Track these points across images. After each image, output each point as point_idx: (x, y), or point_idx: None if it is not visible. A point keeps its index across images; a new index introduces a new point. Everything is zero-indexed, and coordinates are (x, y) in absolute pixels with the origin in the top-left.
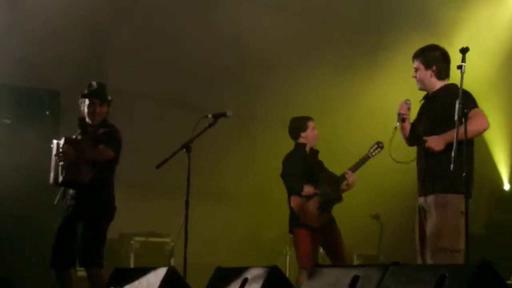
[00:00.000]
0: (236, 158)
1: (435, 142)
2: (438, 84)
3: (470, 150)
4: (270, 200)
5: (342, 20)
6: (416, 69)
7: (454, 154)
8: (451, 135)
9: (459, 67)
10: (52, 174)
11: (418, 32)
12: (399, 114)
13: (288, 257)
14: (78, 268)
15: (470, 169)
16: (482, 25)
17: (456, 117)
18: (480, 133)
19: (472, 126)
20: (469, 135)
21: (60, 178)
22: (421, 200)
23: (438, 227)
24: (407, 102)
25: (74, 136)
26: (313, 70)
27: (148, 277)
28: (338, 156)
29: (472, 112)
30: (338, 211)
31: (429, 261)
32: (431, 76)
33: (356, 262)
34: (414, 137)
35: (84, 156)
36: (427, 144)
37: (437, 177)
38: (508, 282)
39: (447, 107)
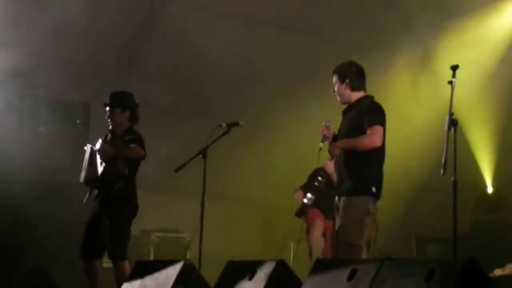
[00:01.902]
0: (250, 165)
1: (332, 148)
2: (354, 96)
3: (379, 157)
4: (279, 202)
5: (341, 39)
6: (334, 84)
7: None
8: (347, 142)
9: (450, 82)
10: (83, 174)
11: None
12: (322, 136)
13: (292, 251)
14: (104, 260)
15: (378, 174)
16: (472, 41)
17: (446, 127)
18: (370, 149)
19: (365, 141)
20: (360, 148)
21: (100, 169)
22: (337, 200)
23: (342, 224)
24: (327, 123)
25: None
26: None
27: (167, 269)
28: None
29: (371, 129)
30: None
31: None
32: (345, 89)
33: None
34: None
35: (121, 153)
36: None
37: (345, 181)
38: (491, 275)
39: (359, 117)
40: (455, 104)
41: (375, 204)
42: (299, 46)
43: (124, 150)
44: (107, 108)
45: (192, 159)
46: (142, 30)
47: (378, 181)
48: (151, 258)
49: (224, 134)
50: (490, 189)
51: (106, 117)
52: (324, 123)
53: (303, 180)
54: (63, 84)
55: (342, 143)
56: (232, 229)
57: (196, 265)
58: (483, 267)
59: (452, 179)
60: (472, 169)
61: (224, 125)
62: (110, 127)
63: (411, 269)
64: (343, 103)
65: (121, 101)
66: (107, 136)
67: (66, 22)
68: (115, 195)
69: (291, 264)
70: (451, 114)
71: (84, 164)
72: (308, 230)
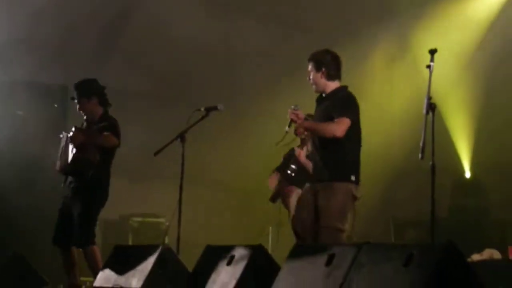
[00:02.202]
0: (229, 150)
1: (297, 127)
2: (329, 85)
3: (356, 146)
4: (257, 187)
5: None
6: (309, 72)
7: None
8: (311, 125)
9: (428, 66)
10: (58, 162)
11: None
12: (290, 120)
13: (270, 236)
14: None
15: (356, 162)
16: (450, 26)
17: (424, 111)
18: (329, 136)
19: (328, 128)
20: (322, 134)
21: (70, 157)
22: (315, 185)
23: (325, 209)
24: (295, 107)
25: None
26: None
27: (145, 253)
28: None
29: (338, 119)
30: None
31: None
32: (321, 77)
33: None
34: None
35: (92, 141)
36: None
37: (323, 168)
38: (468, 259)
39: (331, 109)
40: (434, 89)
41: (358, 190)
42: (277, 34)
43: (97, 138)
44: (75, 101)
45: (170, 142)
46: (120, 15)
47: (356, 168)
48: (130, 243)
49: (202, 118)
50: (468, 174)
51: (77, 110)
52: (292, 107)
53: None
54: (40, 68)
55: (307, 124)
56: (210, 214)
57: (175, 250)
58: (461, 250)
59: (430, 163)
60: (450, 153)
61: (202, 109)
62: (84, 117)
63: (389, 253)
64: (318, 91)
65: (85, 90)
66: (83, 124)
67: (43, 6)
68: (86, 183)
69: (270, 249)
70: (429, 98)
71: (59, 152)
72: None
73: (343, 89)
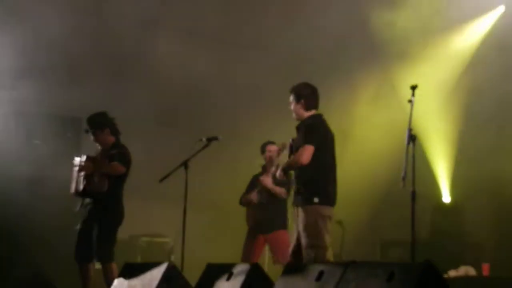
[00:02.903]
0: (227, 175)
1: (276, 172)
2: (306, 115)
3: (317, 169)
4: None
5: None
6: (290, 103)
7: None
8: (283, 167)
9: (409, 101)
10: (73, 185)
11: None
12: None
13: (266, 255)
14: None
15: (325, 185)
16: (430, 64)
17: (406, 142)
18: (297, 165)
19: (294, 160)
20: (293, 166)
21: (81, 187)
22: (295, 209)
23: (302, 231)
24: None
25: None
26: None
27: (152, 270)
28: None
29: (302, 148)
30: None
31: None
32: (300, 108)
33: None
34: None
35: (100, 170)
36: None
37: (297, 193)
38: (445, 276)
39: (301, 137)
40: (415, 122)
41: (328, 209)
42: (265, 64)
43: (104, 168)
44: (89, 133)
45: (175, 170)
46: (126, 56)
47: (325, 191)
48: (139, 260)
49: (204, 147)
50: (447, 199)
51: (93, 140)
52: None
53: None
54: (55, 101)
55: (283, 168)
56: (212, 234)
57: (179, 267)
58: (440, 269)
59: (411, 190)
60: (430, 181)
61: (204, 139)
62: (99, 146)
63: (373, 271)
64: (297, 119)
65: (98, 123)
66: (100, 153)
67: (55, 45)
68: (101, 205)
69: (266, 268)
70: (410, 130)
71: (74, 176)
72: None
73: (313, 117)
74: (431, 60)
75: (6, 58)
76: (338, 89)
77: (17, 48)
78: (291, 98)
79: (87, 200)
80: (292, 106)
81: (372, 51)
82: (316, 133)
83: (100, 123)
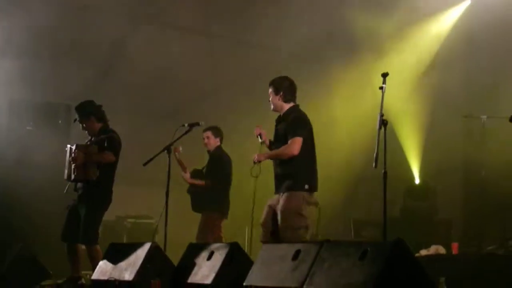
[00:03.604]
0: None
1: (258, 156)
2: (285, 106)
3: (310, 159)
4: (236, 191)
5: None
6: (269, 94)
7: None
8: (270, 154)
9: (381, 88)
10: (66, 171)
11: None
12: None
13: (246, 235)
14: None
15: (310, 172)
16: (402, 53)
17: (377, 126)
18: (288, 156)
19: (285, 151)
20: (282, 157)
21: (72, 176)
22: (276, 196)
23: (284, 213)
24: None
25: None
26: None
27: (136, 250)
28: None
29: (291, 140)
30: None
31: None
32: (279, 100)
33: None
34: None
35: (91, 159)
36: (254, 157)
37: (281, 180)
38: (417, 255)
39: (285, 129)
40: (387, 108)
41: (312, 196)
42: (253, 60)
43: (95, 157)
44: (77, 122)
45: (158, 154)
46: (117, 47)
47: (310, 178)
48: (124, 241)
49: (186, 132)
50: (417, 180)
51: (81, 129)
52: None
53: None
54: (47, 90)
55: (267, 155)
56: (194, 216)
57: (162, 247)
58: (411, 248)
59: (383, 171)
60: (402, 162)
61: (186, 125)
62: (87, 133)
63: (347, 249)
64: (275, 111)
65: (84, 111)
66: (89, 140)
67: (50, 36)
68: (91, 189)
69: (245, 247)
70: (381, 115)
71: (66, 163)
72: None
73: (294, 110)
74: (403, 52)
75: None
76: (318, 81)
77: (9, 35)
78: (270, 90)
79: (79, 184)
80: (271, 98)
81: (349, 47)
82: (304, 125)
83: (85, 111)
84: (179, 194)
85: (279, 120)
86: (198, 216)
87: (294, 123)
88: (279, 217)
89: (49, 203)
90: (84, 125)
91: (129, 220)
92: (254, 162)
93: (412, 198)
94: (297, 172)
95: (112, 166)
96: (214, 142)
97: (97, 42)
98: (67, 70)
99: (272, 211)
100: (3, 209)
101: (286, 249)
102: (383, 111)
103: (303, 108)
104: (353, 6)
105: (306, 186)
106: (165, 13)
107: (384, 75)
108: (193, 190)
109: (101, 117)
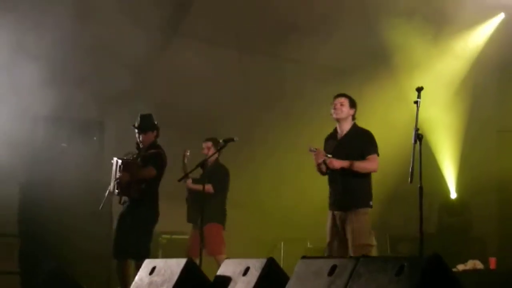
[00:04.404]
0: (244, 174)
1: (332, 162)
2: (351, 122)
3: (370, 178)
4: (270, 208)
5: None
6: (342, 104)
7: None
8: (350, 163)
9: (416, 102)
10: (111, 184)
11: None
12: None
13: (282, 251)
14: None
15: (371, 188)
16: (436, 65)
17: (412, 141)
18: (369, 171)
19: (367, 165)
20: (362, 170)
21: (116, 192)
22: (338, 213)
23: (357, 232)
24: (314, 150)
25: (130, 155)
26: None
27: (172, 266)
28: None
29: (371, 156)
30: (320, 213)
31: (351, 254)
32: (349, 114)
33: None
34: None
35: (135, 178)
36: (328, 160)
37: (350, 196)
38: (454, 270)
39: (357, 144)
40: (422, 122)
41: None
42: (282, 70)
43: (139, 174)
44: (136, 131)
45: (193, 170)
46: (145, 63)
47: (371, 195)
48: (160, 257)
49: (221, 148)
50: (453, 195)
51: (139, 139)
52: (312, 150)
53: (294, 182)
54: (80, 105)
55: (345, 163)
56: (229, 231)
57: (198, 263)
58: (447, 263)
59: (418, 185)
60: (437, 177)
61: (221, 141)
62: (141, 145)
63: (383, 265)
64: (338, 120)
65: (151, 124)
66: (135, 153)
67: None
68: (137, 203)
69: (281, 262)
70: (417, 129)
71: (112, 176)
72: None
73: (360, 128)
74: (437, 66)
75: (32, 64)
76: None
77: (43, 56)
78: (345, 100)
79: (124, 198)
80: (344, 109)
81: (385, 61)
82: (376, 143)
83: (149, 124)
84: None
85: (341, 137)
86: (234, 231)
87: (371, 140)
88: (350, 236)
89: (82, 220)
90: (146, 136)
91: (164, 236)
92: (323, 169)
93: (447, 213)
94: (365, 188)
95: (155, 181)
96: (213, 152)
97: (129, 56)
98: (98, 86)
99: (337, 231)
100: (37, 226)
101: (322, 265)
102: (418, 126)
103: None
104: (388, 22)
105: (371, 203)
106: (195, 26)
107: (419, 90)
108: (191, 199)
109: (158, 134)
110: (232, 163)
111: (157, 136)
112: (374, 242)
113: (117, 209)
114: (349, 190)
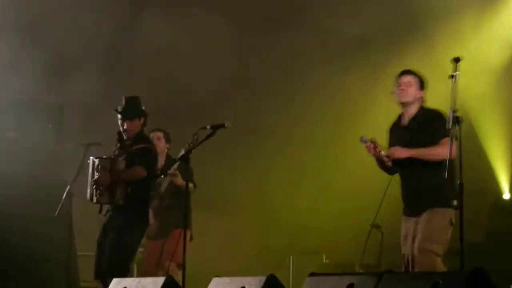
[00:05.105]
0: (244, 172)
1: (397, 151)
2: (417, 106)
3: (454, 169)
4: (279, 213)
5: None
6: (409, 84)
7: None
8: (417, 151)
9: (452, 76)
10: (88, 190)
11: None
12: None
13: (291, 267)
14: None
15: (456, 186)
16: (481, 39)
17: (449, 125)
18: (440, 158)
19: (441, 151)
20: (436, 158)
21: (94, 199)
22: (411, 220)
23: (430, 233)
24: (365, 140)
25: (113, 149)
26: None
27: (149, 285)
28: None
29: (444, 140)
30: (339, 221)
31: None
32: (419, 97)
33: (358, 271)
34: (396, 163)
35: (118, 179)
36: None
37: (424, 195)
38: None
39: (428, 129)
40: (468, 102)
41: (455, 216)
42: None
43: (122, 176)
44: (120, 117)
45: (174, 163)
46: (122, 34)
47: (457, 193)
48: (134, 275)
49: (208, 137)
50: (507, 195)
51: (123, 128)
52: (366, 142)
53: (310, 182)
54: (37, 87)
55: (412, 152)
56: (227, 241)
57: (180, 282)
58: (496, 280)
59: (458, 182)
60: (486, 173)
61: (208, 127)
62: (125, 135)
63: (412, 282)
64: (402, 103)
65: (136, 109)
66: (118, 143)
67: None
68: (121, 210)
69: (290, 281)
70: (454, 111)
71: (88, 180)
72: None
73: (427, 108)
74: (483, 35)
75: None
76: (386, 70)
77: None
78: (412, 80)
79: (107, 206)
80: (412, 91)
81: (422, 29)
82: None
83: (141, 110)
84: (203, 214)
85: (405, 124)
86: (233, 242)
87: (440, 122)
88: (419, 236)
89: (35, 217)
90: (126, 122)
91: (140, 249)
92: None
93: (499, 217)
94: (443, 183)
95: (145, 184)
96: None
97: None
98: (62, 64)
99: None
100: None
101: (336, 282)
102: (457, 106)
103: (375, 98)
104: None
105: (454, 202)
106: None
107: (456, 60)
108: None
109: (145, 123)
110: (232, 158)
111: (144, 124)
112: (441, 253)
113: (79, 213)
114: (420, 188)
